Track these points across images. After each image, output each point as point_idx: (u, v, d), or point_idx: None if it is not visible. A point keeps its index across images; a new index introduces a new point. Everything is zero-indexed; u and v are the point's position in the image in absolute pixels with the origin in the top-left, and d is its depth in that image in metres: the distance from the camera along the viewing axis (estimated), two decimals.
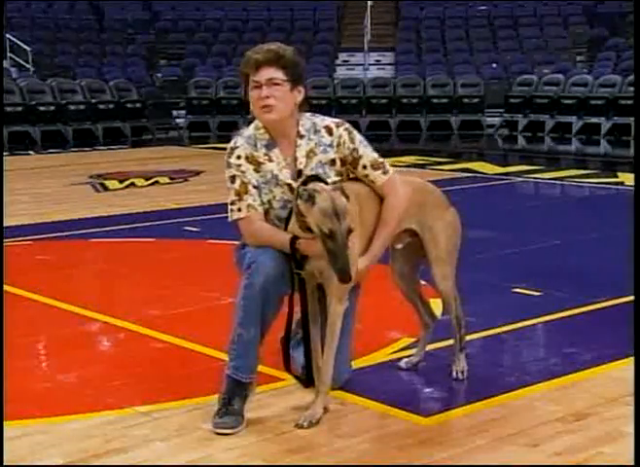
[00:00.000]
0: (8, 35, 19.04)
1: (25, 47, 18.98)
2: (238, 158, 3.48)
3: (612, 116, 16.35)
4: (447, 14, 22.28)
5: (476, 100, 18.20)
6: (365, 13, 21.00)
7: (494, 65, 19.99)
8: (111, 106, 17.23)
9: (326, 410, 3.49)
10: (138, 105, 17.57)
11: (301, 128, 3.50)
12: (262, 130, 3.51)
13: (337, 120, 3.57)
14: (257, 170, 3.48)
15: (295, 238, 3.35)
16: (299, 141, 3.50)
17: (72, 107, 16.83)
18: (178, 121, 18.54)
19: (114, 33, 21.52)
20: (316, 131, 3.51)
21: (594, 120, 16.54)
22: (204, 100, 18.33)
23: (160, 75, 20.14)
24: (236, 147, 3.50)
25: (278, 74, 3.42)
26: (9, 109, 16.04)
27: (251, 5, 22.81)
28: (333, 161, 3.50)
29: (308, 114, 3.57)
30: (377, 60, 21.24)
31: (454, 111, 18.07)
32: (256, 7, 22.75)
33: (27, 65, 18.99)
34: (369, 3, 20.97)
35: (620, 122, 16.13)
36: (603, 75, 17.43)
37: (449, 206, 3.80)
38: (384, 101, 18.17)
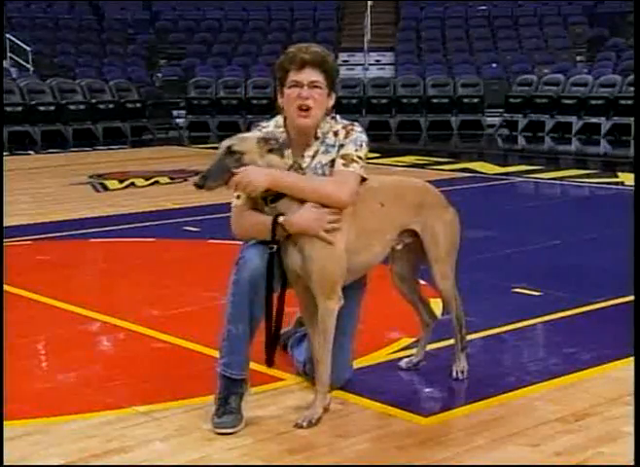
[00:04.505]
0: (8, 35, 19.05)
1: (25, 47, 18.99)
2: None
3: (612, 116, 16.35)
4: (447, 14, 22.28)
5: (476, 100, 18.20)
6: (365, 13, 21.01)
7: (494, 65, 19.99)
8: (111, 106, 17.23)
9: (326, 410, 3.49)
10: (138, 105, 17.57)
11: (318, 131, 3.52)
12: (282, 129, 3.53)
13: (346, 122, 3.56)
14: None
15: (278, 215, 3.34)
16: (312, 142, 3.52)
17: (72, 107, 16.83)
18: (178, 121, 18.55)
19: (114, 33, 21.53)
20: (327, 134, 3.53)
21: (594, 120, 16.54)
22: (204, 100, 18.33)
23: (160, 75, 20.15)
24: None
25: (320, 77, 3.44)
26: (9, 109, 16.03)
27: (251, 5, 22.82)
28: (332, 162, 3.50)
29: (328, 117, 3.57)
30: (377, 60, 21.24)
31: (454, 111, 18.06)
32: (256, 7, 22.75)
33: (27, 65, 18.99)
34: (369, 3, 20.97)
35: (620, 122, 16.13)
36: (603, 75, 17.43)
37: (449, 206, 3.81)
38: (384, 101, 18.18)
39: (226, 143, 3.33)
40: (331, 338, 3.44)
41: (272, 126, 3.56)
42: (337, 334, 3.60)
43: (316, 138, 3.52)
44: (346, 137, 3.50)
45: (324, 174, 3.49)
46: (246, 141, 3.34)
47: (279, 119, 3.57)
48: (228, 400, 3.39)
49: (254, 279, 3.33)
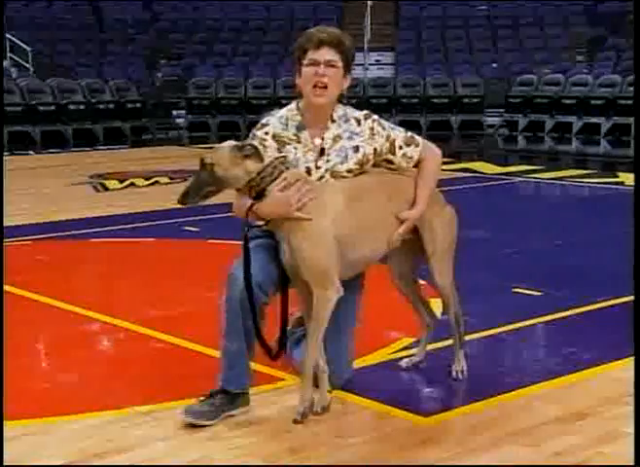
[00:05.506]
0: (8, 35, 19.04)
1: (25, 47, 18.98)
2: (266, 133, 3.56)
3: (612, 116, 16.35)
4: (447, 14, 22.28)
5: (476, 100, 18.21)
6: (365, 13, 20.99)
7: (494, 65, 19.98)
8: (111, 106, 17.23)
9: (326, 409, 3.50)
10: (138, 105, 17.58)
11: (334, 114, 3.58)
12: (295, 112, 3.58)
13: (363, 112, 3.64)
14: (279, 150, 3.53)
15: (253, 204, 3.41)
16: (329, 124, 3.56)
17: (72, 107, 16.83)
18: (178, 121, 18.55)
19: (114, 33, 21.52)
20: (346, 121, 3.59)
21: (594, 120, 16.55)
22: (204, 100, 18.34)
23: (160, 75, 20.14)
24: (267, 124, 3.58)
25: (336, 57, 3.49)
26: (9, 109, 16.03)
27: (251, 5, 22.82)
28: (356, 148, 3.55)
29: (340, 104, 3.63)
30: (377, 60, 21.24)
31: (454, 111, 18.07)
32: (256, 7, 22.75)
33: (27, 65, 18.99)
34: (369, 3, 20.94)
35: (620, 122, 16.14)
36: (603, 75, 17.43)
37: (447, 204, 3.83)
38: (384, 101, 18.17)
39: (203, 156, 3.38)
40: (322, 328, 3.43)
41: (285, 111, 3.61)
42: (336, 333, 3.62)
43: (332, 121, 3.56)
44: (383, 128, 3.60)
45: (346, 157, 3.54)
46: (217, 152, 3.37)
47: (291, 106, 3.61)
48: (216, 395, 3.46)
49: (244, 297, 3.39)
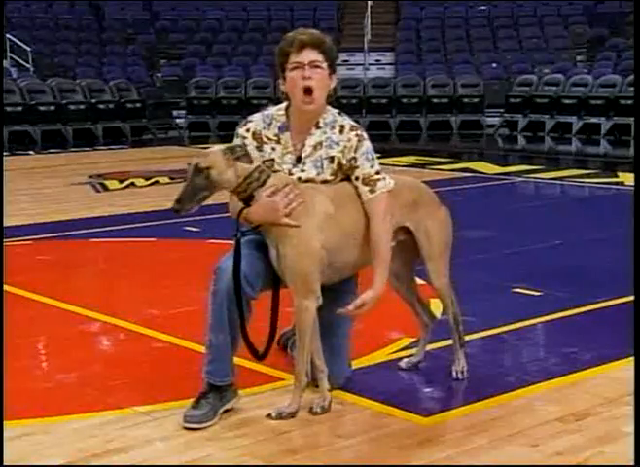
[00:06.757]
0: (8, 35, 19.04)
1: (25, 47, 18.98)
2: (247, 131, 3.55)
3: (612, 116, 16.34)
4: (447, 14, 22.27)
5: (476, 100, 18.20)
6: (365, 13, 21.00)
7: (494, 65, 19.98)
8: (111, 106, 17.22)
9: (325, 409, 3.50)
10: (138, 105, 17.57)
11: (321, 120, 3.54)
12: (282, 112, 3.56)
13: (354, 123, 3.58)
14: (259, 148, 3.52)
15: (244, 208, 3.42)
16: (314, 130, 3.53)
17: (72, 107, 16.82)
18: (178, 121, 18.53)
19: (114, 33, 21.51)
20: (333, 127, 3.54)
21: (594, 120, 16.53)
22: (204, 100, 18.33)
23: (160, 75, 20.13)
24: (250, 121, 3.57)
25: (320, 57, 3.47)
26: (9, 109, 16.02)
27: (251, 5, 22.81)
28: (332, 159, 3.52)
29: (335, 110, 3.59)
30: (377, 60, 21.23)
31: (454, 111, 18.06)
32: (256, 7, 22.74)
33: (27, 65, 18.99)
34: (369, 3, 20.96)
35: (620, 122, 16.13)
36: (603, 75, 17.42)
37: (441, 205, 3.83)
38: (384, 101, 18.17)
39: (194, 161, 3.36)
40: (307, 336, 3.45)
41: (274, 109, 3.59)
42: (334, 334, 3.62)
43: (318, 127, 3.53)
44: (357, 149, 3.50)
45: (322, 167, 3.51)
46: (210, 156, 3.36)
47: (281, 105, 3.59)
48: (207, 395, 3.45)
49: (231, 290, 3.40)
